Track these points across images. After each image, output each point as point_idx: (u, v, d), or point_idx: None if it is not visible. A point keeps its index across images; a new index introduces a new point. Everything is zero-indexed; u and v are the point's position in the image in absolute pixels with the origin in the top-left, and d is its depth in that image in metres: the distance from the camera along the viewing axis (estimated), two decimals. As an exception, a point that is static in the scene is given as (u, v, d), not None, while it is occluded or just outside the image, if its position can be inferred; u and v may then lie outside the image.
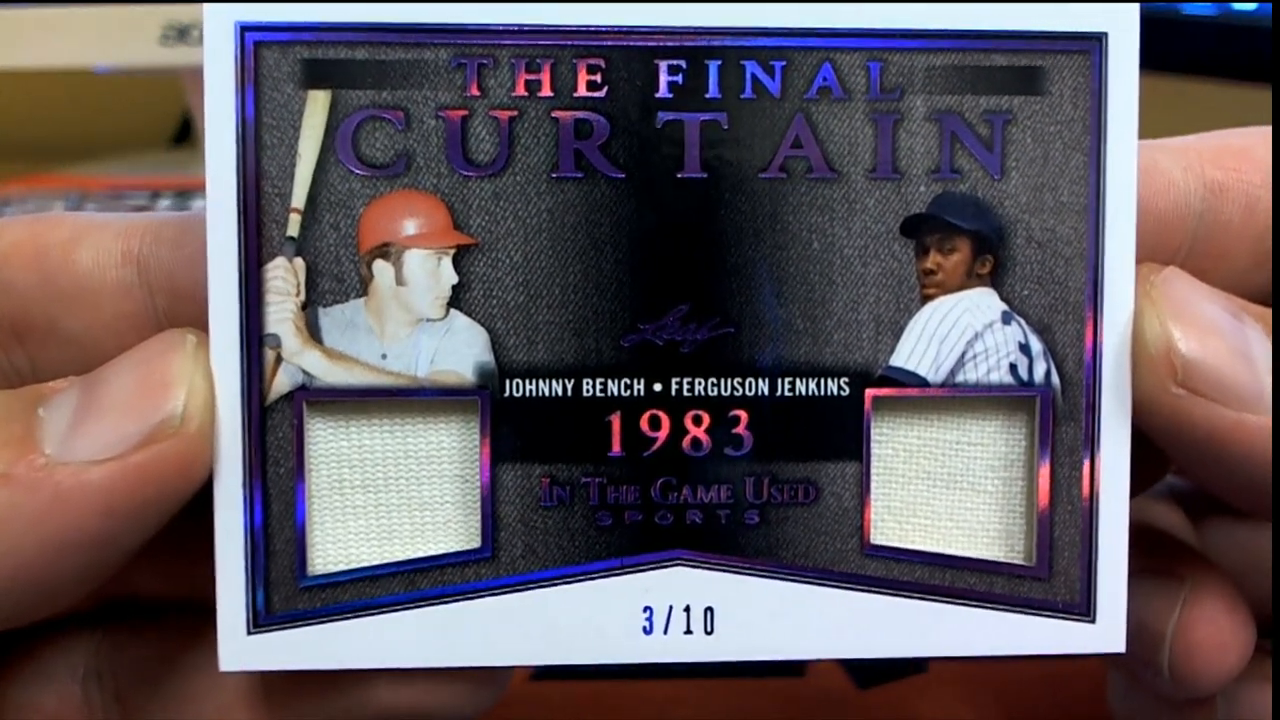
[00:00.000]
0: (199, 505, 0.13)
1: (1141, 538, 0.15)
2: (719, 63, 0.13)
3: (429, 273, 0.13)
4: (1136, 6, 0.13)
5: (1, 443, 0.12)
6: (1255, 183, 0.14)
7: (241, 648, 0.13)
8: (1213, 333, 0.13)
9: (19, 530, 0.12)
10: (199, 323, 0.13)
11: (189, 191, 0.50)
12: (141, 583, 0.15)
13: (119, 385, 0.12)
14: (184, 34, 0.48)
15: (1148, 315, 0.13)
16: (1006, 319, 0.14)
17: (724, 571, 0.13)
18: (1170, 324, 0.13)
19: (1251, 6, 0.30)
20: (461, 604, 0.13)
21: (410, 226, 0.13)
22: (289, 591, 0.13)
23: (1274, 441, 0.13)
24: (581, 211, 0.13)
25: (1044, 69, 0.13)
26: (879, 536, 0.14)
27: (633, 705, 0.20)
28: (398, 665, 0.13)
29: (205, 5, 0.13)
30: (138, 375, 0.13)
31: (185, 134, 0.59)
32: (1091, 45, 0.13)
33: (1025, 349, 0.14)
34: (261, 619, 0.13)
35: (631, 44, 0.13)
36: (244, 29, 0.13)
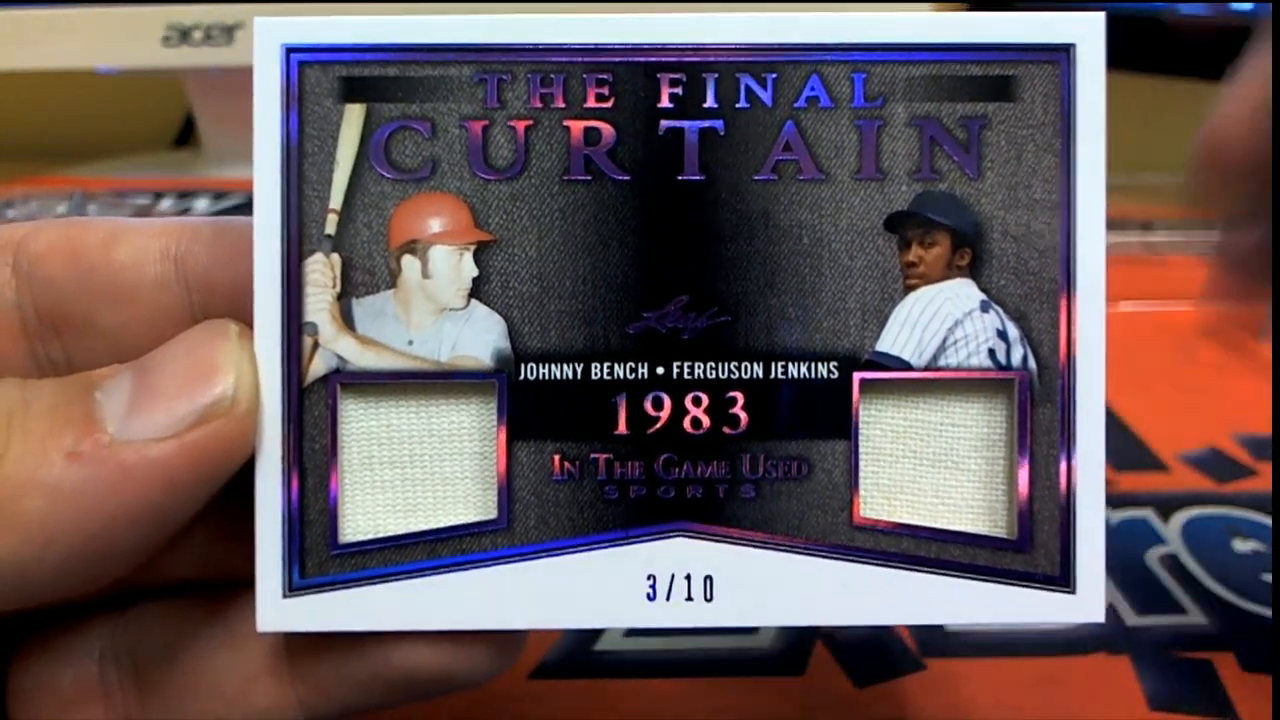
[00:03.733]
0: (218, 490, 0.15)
1: None
2: (715, 76, 0.15)
3: (452, 267, 0.15)
4: (1103, 18, 0.16)
5: (64, 423, 0.14)
6: None
7: (278, 610, 0.15)
8: None
9: (89, 504, 0.13)
10: (233, 316, 0.15)
11: (191, 192, 0.53)
12: (161, 566, 0.16)
13: (171, 370, 0.14)
14: (186, 35, 0.51)
15: None
16: (985, 307, 0.16)
17: (722, 542, 0.15)
18: None
19: (1248, 6, 0.32)
20: (478, 571, 0.15)
21: (435, 225, 0.15)
22: (321, 558, 0.15)
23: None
24: (590, 211, 0.15)
25: (1016, 77, 0.15)
26: (868, 511, 0.16)
27: (632, 703, 0.21)
28: (419, 628, 0.15)
29: (255, 28, 0.15)
30: (188, 361, 0.14)
31: (187, 135, 0.63)
32: (1060, 55, 0.15)
33: (1003, 335, 0.16)
34: (295, 584, 0.15)
35: (636, 60, 0.15)
36: (289, 50, 0.15)
